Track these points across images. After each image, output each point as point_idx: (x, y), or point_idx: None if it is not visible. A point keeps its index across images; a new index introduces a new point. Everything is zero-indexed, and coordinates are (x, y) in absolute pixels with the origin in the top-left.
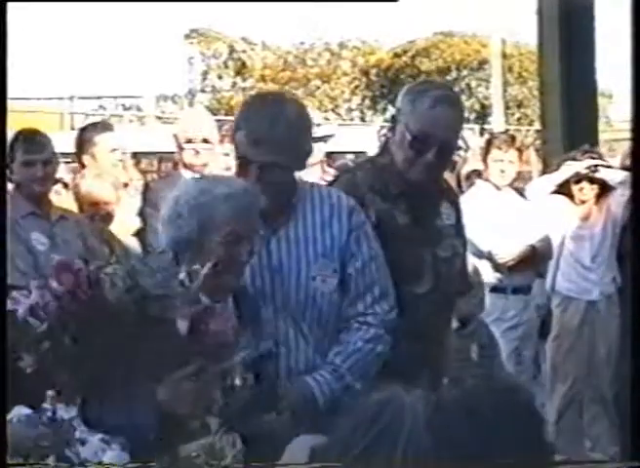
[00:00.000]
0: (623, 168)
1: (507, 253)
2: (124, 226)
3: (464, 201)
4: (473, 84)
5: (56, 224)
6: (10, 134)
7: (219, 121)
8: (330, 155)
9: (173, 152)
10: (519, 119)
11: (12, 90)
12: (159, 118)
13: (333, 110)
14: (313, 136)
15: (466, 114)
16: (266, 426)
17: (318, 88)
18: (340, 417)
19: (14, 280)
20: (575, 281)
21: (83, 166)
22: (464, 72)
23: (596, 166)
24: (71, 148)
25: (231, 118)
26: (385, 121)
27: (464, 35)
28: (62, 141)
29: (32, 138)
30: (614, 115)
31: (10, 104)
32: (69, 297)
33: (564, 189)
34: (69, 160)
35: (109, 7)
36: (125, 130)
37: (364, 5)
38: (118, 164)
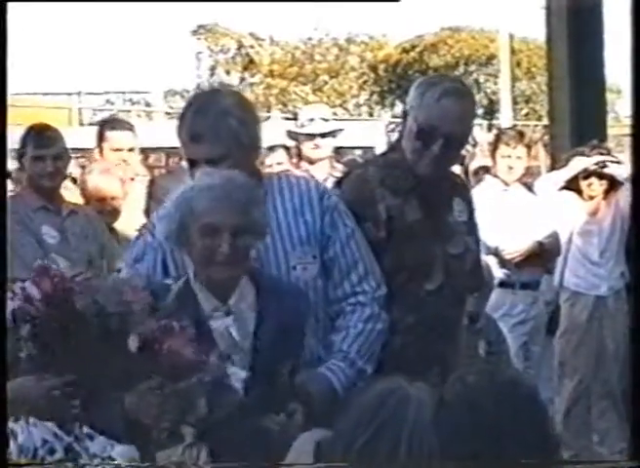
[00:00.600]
0: None
1: (515, 248)
2: (130, 222)
3: (473, 196)
4: (481, 79)
5: (66, 219)
6: (19, 129)
7: None
8: (338, 151)
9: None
10: (527, 114)
11: (20, 85)
12: (167, 113)
13: (341, 106)
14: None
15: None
16: (276, 426)
17: (326, 83)
18: (345, 410)
19: (20, 273)
20: (583, 276)
21: (94, 160)
22: (472, 67)
23: (605, 161)
24: (80, 144)
25: None
26: (394, 116)
27: (472, 30)
28: (71, 137)
29: (43, 133)
30: (622, 110)
31: (18, 100)
32: (44, 303)
33: (572, 185)
34: (78, 155)
35: (118, 3)
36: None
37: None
38: (120, 163)
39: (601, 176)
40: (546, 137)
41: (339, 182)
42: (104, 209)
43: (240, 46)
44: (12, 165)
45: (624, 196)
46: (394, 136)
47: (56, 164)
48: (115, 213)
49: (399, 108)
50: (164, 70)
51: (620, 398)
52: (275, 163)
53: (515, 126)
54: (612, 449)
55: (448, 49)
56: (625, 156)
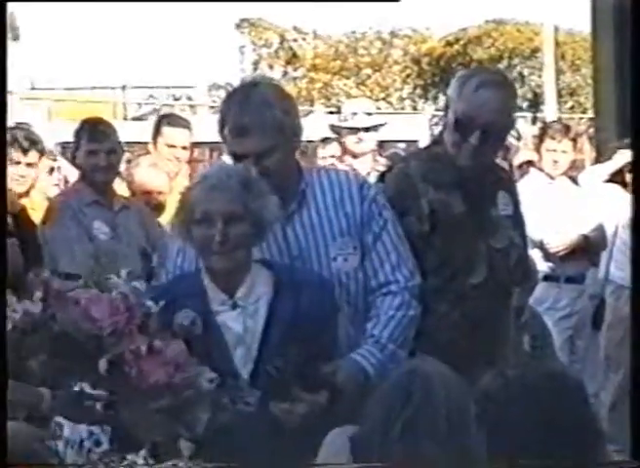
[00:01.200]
0: None
1: (560, 242)
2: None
3: (518, 190)
4: (526, 72)
5: (118, 213)
6: (64, 123)
7: None
8: (381, 144)
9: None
10: (572, 107)
11: (65, 79)
12: (211, 107)
13: (384, 99)
14: (303, 117)
15: (519, 102)
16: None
17: (369, 77)
18: (372, 403)
19: (71, 268)
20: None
21: (148, 153)
22: (516, 60)
23: None
24: (124, 137)
25: None
26: (437, 110)
27: (517, 23)
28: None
29: (97, 127)
30: None
31: (63, 94)
32: (39, 314)
33: (617, 177)
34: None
35: None
36: None
37: None
38: (172, 159)
39: None
40: (591, 130)
41: (381, 176)
42: (150, 203)
43: (283, 40)
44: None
45: None
46: (437, 130)
47: (109, 158)
48: (160, 207)
49: (442, 102)
50: (208, 64)
51: None
52: (329, 156)
53: (560, 119)
54: None
55: (492, 42)
56: None
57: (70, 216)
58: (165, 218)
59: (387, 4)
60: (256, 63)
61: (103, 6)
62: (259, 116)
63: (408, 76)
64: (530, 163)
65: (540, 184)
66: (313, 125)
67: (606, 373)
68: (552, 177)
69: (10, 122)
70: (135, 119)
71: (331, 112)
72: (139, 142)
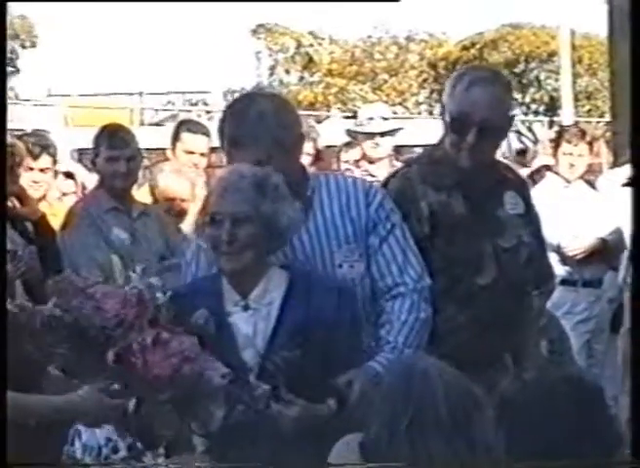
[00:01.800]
0: None
1: (578, 246)
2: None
3: (534, 194)
4: (542, 76)
5: (137, 220)
6: (81, 130)
7: None
8: (398, 149)
9: None
10: (589, 111)
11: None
12: None
13: (400, 104)
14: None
15: (535, 106)
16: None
17: (385, 82)
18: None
19: (91, 275)
20: None
21: (166, 158)
22: (533, 64)
23: None
24: (141, 144)
25: (300, 113)
26: None
27: (533, 27)
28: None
29: (116, 134)
30: None
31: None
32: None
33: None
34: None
35: (177, 3)
36: None
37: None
38: (191, 165)
39: None
40: (608, 134)
41: (386, 181)
42: (172, 209)
43: (299, 45)
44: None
45: None
46: None
47: (129, 165)
48: (182, 213)
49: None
50: (224, 70)
51: None
52: (352, 160)
53: (577, 123)
54: None
55: (508, 45)
56: None
57: (89, 223)
58: (186, 225)
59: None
60: (272, 69)
61: (120, 12)
62: (252, 129)
63: (424, 81)
64: (547, 167)
65: (557, 188)
66: (330, 130)
67: (624, 377)
68: (569, 181)
69: (27, 128)
70: (151, 125)
71: (347, 117)
72: (156, 149)
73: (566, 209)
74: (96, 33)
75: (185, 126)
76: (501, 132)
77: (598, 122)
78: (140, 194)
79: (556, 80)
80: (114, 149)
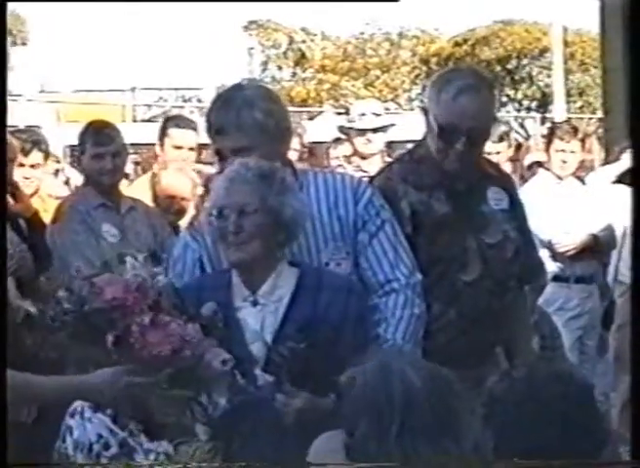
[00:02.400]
0: None
1: (569, 242)
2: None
3: (526, 190)
4: (534, 72)
5: (126, 216)
6: (74, 126)
7: None
8: (390, 145)
9: None
10: (581, 107)
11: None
12: None
13: (393, 100)
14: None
15: (527, 103)
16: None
17: (378, 78)
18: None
19: (81, 271)
20: None
21: (155, 155)
22: (525, 61)
23: None
24: (133, 140)
25: (291, 109)
26: None
27: (525, 23)
28: (124, 133)
29: (102, 131)
30: None
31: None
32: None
33: (626, 178)
34: (131, 151)
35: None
36: None
37: None
38: (179, 161)
39: None
40: (600, 130)
41: (370, 182)
42: (172, 207)
43: (292, 41)
44: (67, 161)
45: None
46: None
47: (115, 161)
48: (182, 211)
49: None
50: (216, 66)
51: None
52: (342, 156)
53: (569, 119)
54: None
55: (500, 42)
56: None
57: (79, 220)
58: (184, 223)
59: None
60: (264, 65)
61: (112, 9)
62: (236, 115)
63: (416, 77)
64: (539, 163)
65: (549, 184)
66: (322, 126)
67: (616, 374)
68: (560, 178)
69: (19, 125)
70: (144, 121)
71: (339, 113)
72: (148, 144)
73: (558, 205)
74: (88, 29)
75: (173, 121)
76: (488, 134)
77: (590, 118)
78: (136, 189)
79: (548, 76)
80: (99, 146)
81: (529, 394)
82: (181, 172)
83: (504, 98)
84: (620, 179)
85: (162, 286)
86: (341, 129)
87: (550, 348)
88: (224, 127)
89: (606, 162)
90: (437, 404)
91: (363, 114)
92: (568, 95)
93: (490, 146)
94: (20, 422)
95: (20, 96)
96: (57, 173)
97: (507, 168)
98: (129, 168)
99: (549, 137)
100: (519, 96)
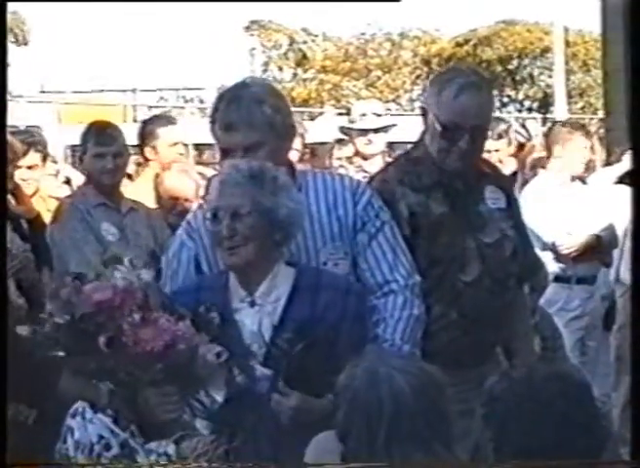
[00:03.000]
0: None
1: (572, 243)
2: None
3: (529, 191)
4: (535, 72)
5: (126, 216)
6: (75, 127)
7: None
8: (391, 146)
9: None
10: (582, 107)
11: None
12: None
13: (394, 101)
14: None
15: (528, 103)
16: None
17: (379, 78)
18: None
19: (80, 270)
20: None
21: (146, 159)
22: (526, 61)
23: None
24: (134, 140)
25: (292, 109)
26: None
27: (527, 23)
28: (125, 133)
29: (104, 131)
30: None
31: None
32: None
33: (627, 179)
34: (133, 152)
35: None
36: (187, 122)
37: None
38: (180, 158)
39: None
40: (602, 131)
41: (368, 184)
42: (175, 208)
43: (293, 42)
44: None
45: None
46: None
47: (116, 161)
48: (184, 212)
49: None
50: (217, 67)
51: None
52: (344, 157)
53: (570, 119)
54: None
55: (502, 42)
56: None
57: (79, 219)
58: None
59: (395, 4)
60: (265, 65)
61: (113, 9)
62: (247, 111)
63: (418, 77)
64: (541, 163)
65: (551, 186)
66: (323, 126)
67: (617, 375)
68: (575, 178)
69: (20, 125)
70: (141, 122)
71: (340, 114)
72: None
73: (559, 206)
74: (89, 30)
75: (157, 123)
76: (488, 132)
77: (591, 119)
78: (138, 189)
79: (549, 77)
80: (101, 146)
81: (528, 394)
82: (185, 173)
83: (506, 99)
84: (621, 180)
85: (149, 286)
86: (342, 129)
87: (551, 349)
88: (234, 123)
89: (607, 163)
90: (427, 408)
91: (364, 114)
92: (569, 95)
93: (489, 144)
94: (20, 422)
95: (20, 96)
96: (57, 173)
97: (512, 167)
98: (131, 168)
99: (559, 137)
100: (520, 96)
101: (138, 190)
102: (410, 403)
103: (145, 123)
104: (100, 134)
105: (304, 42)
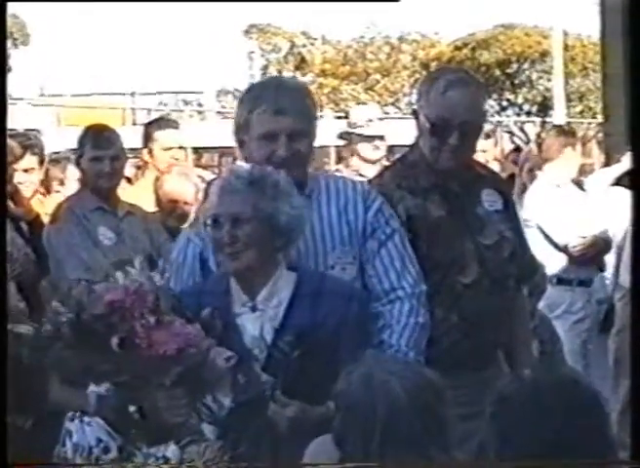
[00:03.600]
0: None
1: (584, 245)
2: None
3: (533, 193)
4: (534, 76)
5: (123, 220)
6: (74, 130)
7: None
8: (390, 149)
9: (234, 147)
10: (581, 111)
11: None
12: (220, 113)
13: (393, 104)
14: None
15: (527, 107)
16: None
17: (378, 82)
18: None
19: (79, 274)
20: None
21: (144, 161)
22: (525, 65)
23: None
24: (133, 144)
25: None
26: None
27: (525, 27)
28: (124, 137)
29: (101, 134)
30: None
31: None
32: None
33: (624, 182)
34: (131, 155)
35: (170, 4)
36: (186, 125)
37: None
38: (175, 162)
39: None
40: (600, 135)
41: (343, 176)
42: (174, 212)
43: (292, 45)
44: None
45: None
46: None
47: (113, 165)
48: (184, 216)
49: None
50: (216, 70)
51: None
52: (343, 160)
53: (569, 123)
54: None
55: (500, 46)
56: None
57: (75, 223)
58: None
59: (395, 8)
60: (264, 69)
61: (113, 12)
62: (297, 98)
63: (417, 81)
64: (539, 167)
65: (552, 187)
66: (322, 130)
67: (616, 378)
68: (574, 182)
69: (19, 128)
70: (144, 125)
71: (339, 117)
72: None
73: (564, 208)
74: (88, 33)
75: (156, 125)
76: (479, 130)
77: (590, 123)
78: (136, 192)
79: (548, 80)
80: (98, 149)
81: (530, 397)
82: (185, 176)
83: (505, 103)
84: (618, 182)
85: (160, 288)
86: (345, 134)
87: (549, 353)
88: (286, 108)
89: (606, 166)
90: (423, 413)
91: (370, 120)
92: (568, 99)
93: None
94: (19, 427)
95: (20, 99)
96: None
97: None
98: (131, 172)
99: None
100: (519, 100)
101: (138, 193)
102: (406, 407)
103: (146, 125)
104: (98, 137)
105: (303, 45)
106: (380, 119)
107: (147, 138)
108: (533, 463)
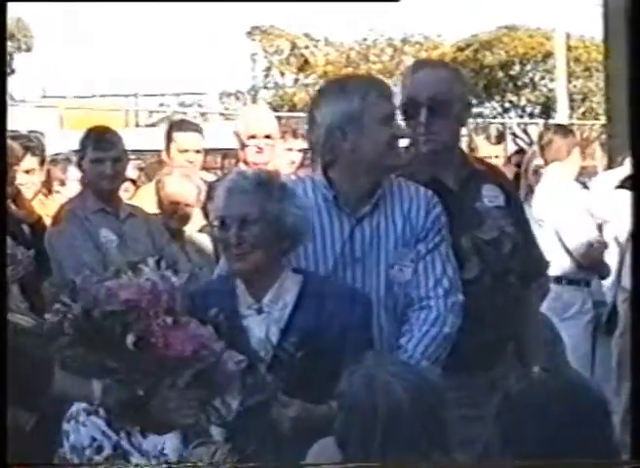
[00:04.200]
0: None
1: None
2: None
3: (541, 192)
4: (537, 77)
5: (125, 222)
6: (77, 132)
7: (280, 117)
8: None
9: (236, 149)
10: (584, 113)
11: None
12: (222, 114)
13: None
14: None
15: (530, 108)
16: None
17: None
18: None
19: (76, 275)
20: None
21: (162, 162)
22: (528, 66)
23: None
24: (135, 145)
25: (294, 114)
26: None
27: (528, 28)
28: (127, 138)
29: (102, 136)
30: None
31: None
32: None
33: (628, 183)
34: (134, 157)
35: (172, 5)
36: None
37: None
38: (188, 165)
39: None
40: (603, 137)
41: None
42: (176, 213)
43: (295, 47)
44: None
45: None
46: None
47: (115, 166)
48: (186, 218)
49: None
50: (219, 72)
51: None
52: None
53: (572, 124)
54: None
55: (503, 47)
56: None
57: (77, 225)
58: (190, 230)
59: (397, 10)
60: (267, 70)
61: (115, 14)
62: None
63: None
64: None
65: (557, 187)
66: None
67: (618, 381)
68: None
69: (22, 130)
70: (147, 126)
71: None
72: (150, 150)
73: (559, 209)
74: (91, 35)
75: (176, 126)
76: (452, 111)
77: (593, 124)
78: (142, 196)
79: (551, 81)
80: (100, 151)
81: (543, 397)
82: (187, 178)
83: (507, 104)
84: (622, 185)
85: (174, 289)
86: None
87: (552, 355)
88: (392, 115)
89: (609, 168)
90: (424, 414)
91: None
92: (571, 100)
93: (488, 149)
94: (19, 428)
95: (23, 101)
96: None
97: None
98: (133, 173)
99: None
100: (522, 101)
101: (148, 194)
102: (407, 408)
103: (170, 126)
104: (99, 139)
105: (306, 47)
106: None
107: (168, 139)
108: (534, 463)
